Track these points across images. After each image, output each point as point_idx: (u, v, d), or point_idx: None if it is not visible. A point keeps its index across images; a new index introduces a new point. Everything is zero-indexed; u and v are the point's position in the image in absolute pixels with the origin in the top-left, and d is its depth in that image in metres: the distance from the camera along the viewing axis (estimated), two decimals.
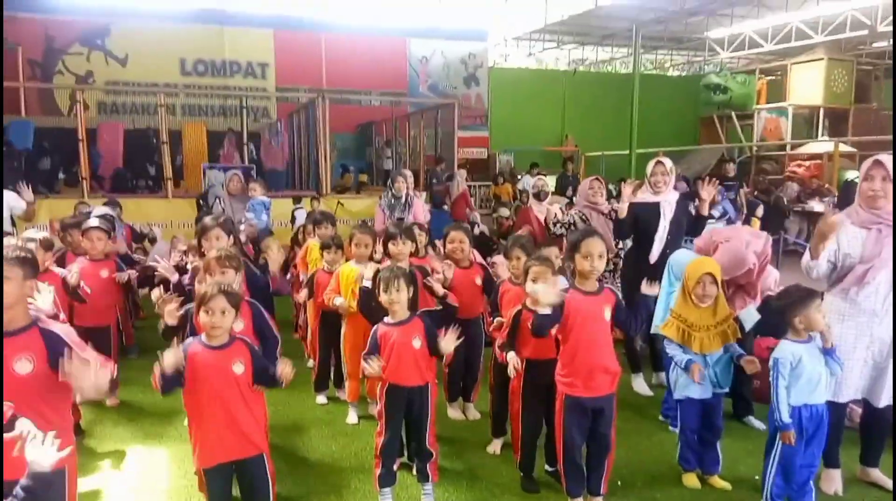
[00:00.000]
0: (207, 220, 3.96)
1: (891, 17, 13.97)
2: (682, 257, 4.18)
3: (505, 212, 9.35)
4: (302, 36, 15.69)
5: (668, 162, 4.92)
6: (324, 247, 4.71)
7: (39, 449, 1.80)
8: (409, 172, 7.36)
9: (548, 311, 2.95)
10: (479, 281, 4.28)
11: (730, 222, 7.06)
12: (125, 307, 5.56)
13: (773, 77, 19.27)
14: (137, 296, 6.55)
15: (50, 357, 2.22)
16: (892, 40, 11.79)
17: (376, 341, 3.17)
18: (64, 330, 2.33)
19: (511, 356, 3.32)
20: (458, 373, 4.35)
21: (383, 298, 3.17)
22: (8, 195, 5.60)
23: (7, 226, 5.50)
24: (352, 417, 4.33)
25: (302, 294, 4.83)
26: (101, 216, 5.16)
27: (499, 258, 5.15)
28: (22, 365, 2.20)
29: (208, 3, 16.25)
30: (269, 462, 2.76)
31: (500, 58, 22.38)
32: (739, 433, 4.09)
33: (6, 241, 3.66)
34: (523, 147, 18.37)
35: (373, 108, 16.04)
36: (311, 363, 5.07)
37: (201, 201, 9.47)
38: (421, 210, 7.03)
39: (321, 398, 4.65)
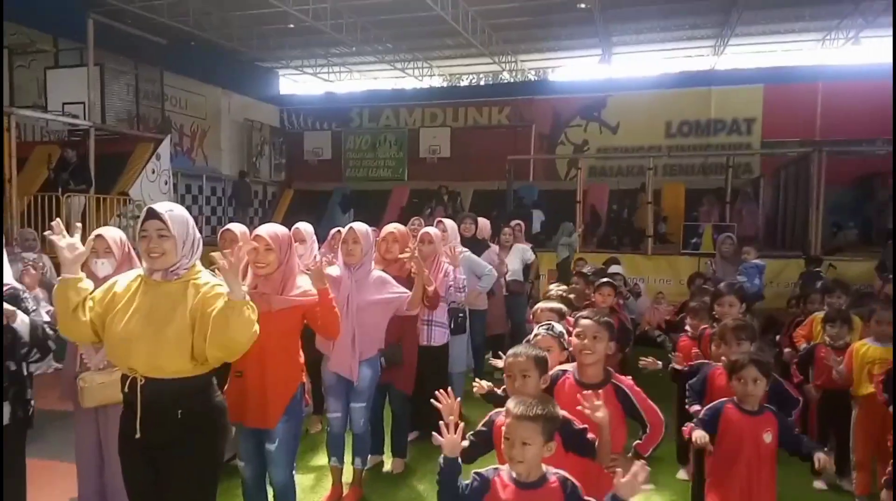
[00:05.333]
0: (723, 286, 4.07)
1: None
2: None
3: None
4: (794, 88, 14.83)
5: None
6: (827, 320, 4.35)
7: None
8: None
9: None
10: None
11: None
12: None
13: None
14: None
15: (624, 408, 2.58)
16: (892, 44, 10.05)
17: None
18: (628, 385, 2.65)
19: None
20: None
21: None
22: (523, 246, 6.87)
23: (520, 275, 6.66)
24: None
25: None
26: (614, 274, 5.87)
27: None
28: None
29: (697, 66, 16.82)
30: None
31: None
32: None
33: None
34: None
35: (876, 158, 13.99)
36: None
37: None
38: None
39: (819, 484, 4.24)
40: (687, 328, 4.44)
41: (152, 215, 2.34)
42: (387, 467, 4.45)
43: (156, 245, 2.32)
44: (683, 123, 15.67)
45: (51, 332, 2.81)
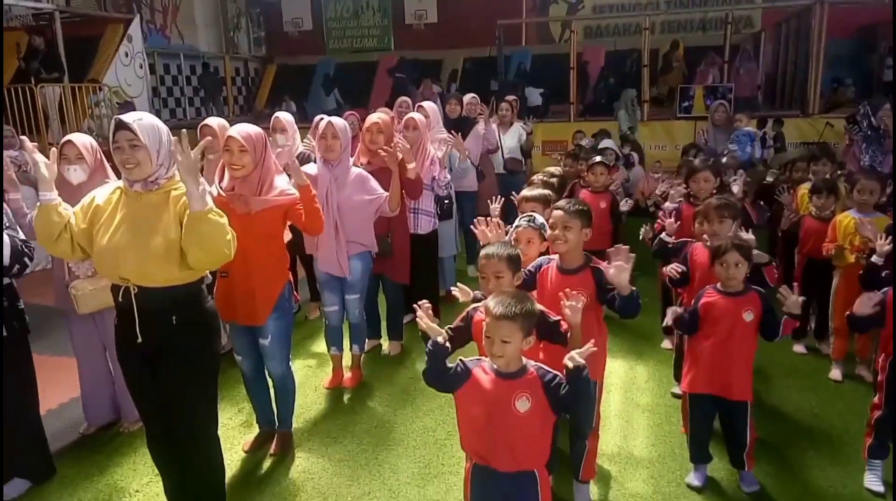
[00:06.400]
0: (697, 162, 4.01)
1: None
2: None
3: None
4: None
5: None
6: (814, 191, 4.32)
7: None
8: None
9: None
10: None
11: None
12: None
13: None
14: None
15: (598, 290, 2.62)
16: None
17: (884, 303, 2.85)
18: (605, 266, 2.62)
19: None
20: None
21: None
22: (520, 124, 6.67)
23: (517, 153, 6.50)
24: (835, 374, 4.03)
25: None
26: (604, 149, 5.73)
27: None
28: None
29: None
30: (751, 413, 2.86)
31: None
32: None
33: None
34: None
35: (879, 7, 13.24)
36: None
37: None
38: None
39: (798, 347, 4.43)
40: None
41: (121, 125, 2.30)
42: (384, 350, 4.63)
43: (129, 156, 2.30)
44: None
45: (27, 249, 2.81)
